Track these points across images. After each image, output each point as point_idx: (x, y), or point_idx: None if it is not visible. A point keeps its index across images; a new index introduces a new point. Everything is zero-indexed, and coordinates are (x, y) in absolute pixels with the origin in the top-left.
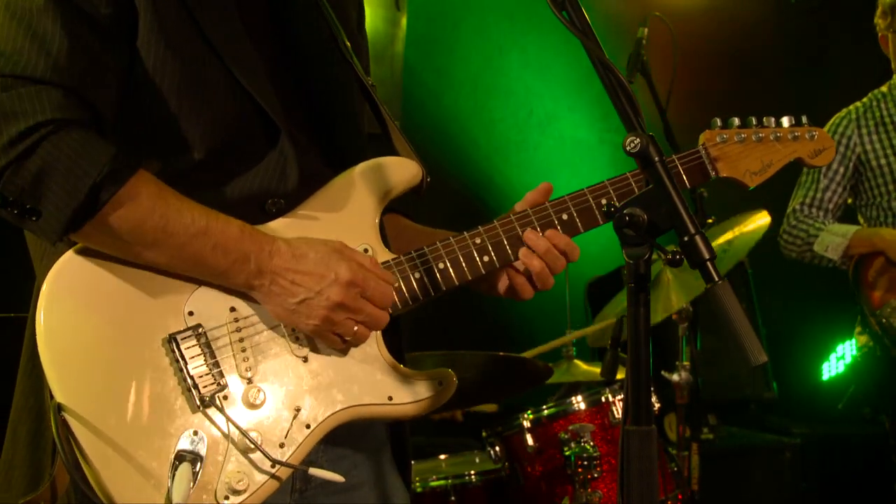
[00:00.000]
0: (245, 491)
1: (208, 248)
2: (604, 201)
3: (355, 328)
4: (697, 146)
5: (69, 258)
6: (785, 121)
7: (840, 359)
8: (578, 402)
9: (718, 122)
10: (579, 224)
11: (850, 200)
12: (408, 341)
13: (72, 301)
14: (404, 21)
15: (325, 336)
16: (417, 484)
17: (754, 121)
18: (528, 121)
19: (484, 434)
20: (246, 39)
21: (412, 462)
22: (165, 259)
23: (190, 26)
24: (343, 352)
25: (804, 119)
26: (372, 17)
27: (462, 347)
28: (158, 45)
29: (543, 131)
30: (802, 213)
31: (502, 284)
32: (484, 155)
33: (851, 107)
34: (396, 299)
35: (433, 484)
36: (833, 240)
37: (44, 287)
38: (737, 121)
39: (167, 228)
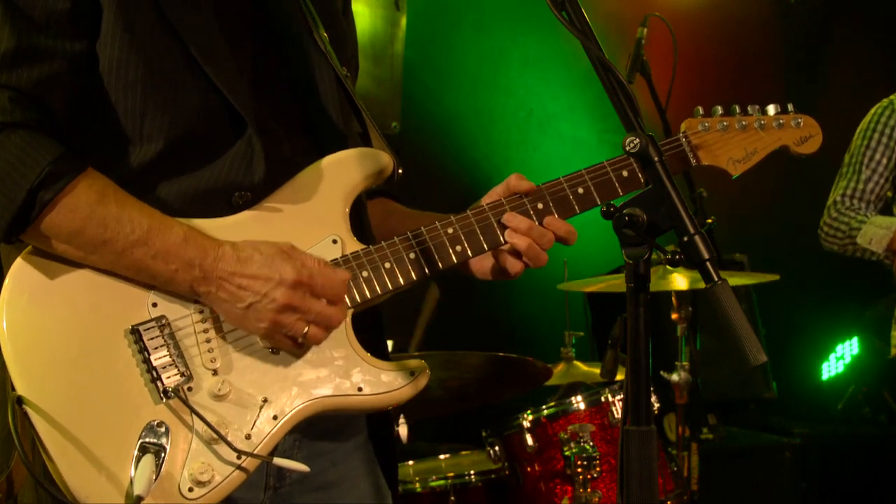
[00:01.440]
0: (210, 483)
1: (149, 257)
2: (580, 190)
3: (306, 329)
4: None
5: (29, 253)
6: (770, 108)
7: (840, 359)
8: (578, 402)
9: (701, 110)
10: (555, 213)
11: (889, 193)
12: (390, 333)
13: (32, 296)
14: (404, 21)
15: (277, 339)
16: (417, 484)
17: (738, 109)
18: (528, 120)
19: (484, 434)
20: (216, 29)
21: (412, 462)
22: (109, 266)
23: (156, 17)
24: (300, 354)
25: (790, 107)
26: (372, 17)
27: (462, 347)
28: (123, 36)
29: (543, 131)
30: (843, 204)
31: (493, 268)
32: (484, 155)
33: (893, 96)
34: (366, 289)
35: (433, 484)
36: (877, 232)
37: (5, 283)
38: (720, 109)
39: (105, 236)
